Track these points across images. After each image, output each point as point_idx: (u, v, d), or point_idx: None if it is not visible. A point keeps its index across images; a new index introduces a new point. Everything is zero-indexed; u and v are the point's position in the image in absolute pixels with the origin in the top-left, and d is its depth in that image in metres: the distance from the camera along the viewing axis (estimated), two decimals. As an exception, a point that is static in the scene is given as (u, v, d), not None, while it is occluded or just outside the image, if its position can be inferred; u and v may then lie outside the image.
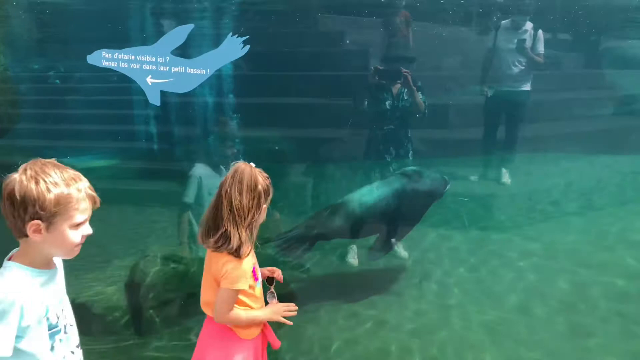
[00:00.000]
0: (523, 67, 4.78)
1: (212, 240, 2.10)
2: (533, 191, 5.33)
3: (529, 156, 5.31)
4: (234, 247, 2.05)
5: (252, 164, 2.10)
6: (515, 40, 4.74)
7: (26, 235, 1.64)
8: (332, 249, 4.61)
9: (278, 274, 2.39)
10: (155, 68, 2.64)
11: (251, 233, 2.09)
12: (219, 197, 2.08)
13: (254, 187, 2.03)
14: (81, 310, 3.68)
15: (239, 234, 2.04)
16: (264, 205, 2.10)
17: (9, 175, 1.64)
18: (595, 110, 5.97)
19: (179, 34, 2.66)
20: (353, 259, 4.47)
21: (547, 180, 5.43)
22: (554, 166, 5.48)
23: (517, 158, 5.22)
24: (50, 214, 1.61)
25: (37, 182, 1.60)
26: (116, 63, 2.65)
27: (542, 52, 4.75)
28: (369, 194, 4.09)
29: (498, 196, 5.16)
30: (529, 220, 5.05)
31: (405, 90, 4.36)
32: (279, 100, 5.14)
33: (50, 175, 1.63)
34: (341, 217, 4.00)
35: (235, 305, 2.17)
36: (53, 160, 1.70)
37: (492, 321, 3.76)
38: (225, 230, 2.05)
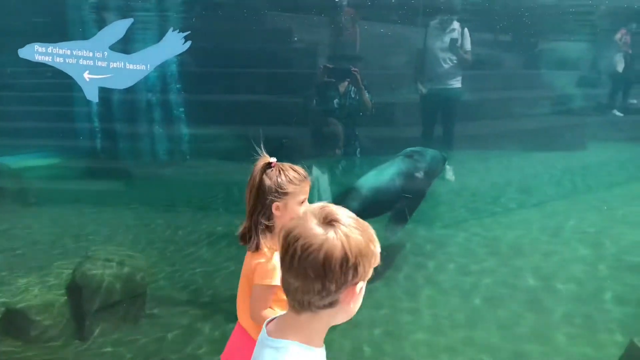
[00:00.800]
0: (452, 65, 4.95)
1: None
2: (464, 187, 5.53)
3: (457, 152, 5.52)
4: (240, 238, 2.01)
5: (272, 159, 1.99)
6: (444, 39, 4.90)
7: (329, 306, 1.23)
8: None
9: None
10: (93, 63, 2.55)
11: (260, 228, 1.96)
12: None
13: (254, 183, 1.96)
14: (19, 316, 3.53)
15: (248, 226, 2.00)
16: (278, 203, 1.96)
17: (304, 227, 1.17)
18: (524, 109, 6.26)
19: (117, 28, 2.58)
20: None
21: (474, 176, 5.65)
22: (481, 162, 5.70)
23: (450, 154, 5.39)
24: (370, 272, 1.23)
25: (362, 232, 1.21)
26: (50, 57, 2.54)
27: (469, 50, 4.95)
28: (377, 176, 4.38)
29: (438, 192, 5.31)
30: (467, 216, 5.24)
31: (353, 88, 4.43)
32: (224, 98, 5.10)
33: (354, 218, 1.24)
34: (354, 201, 4.23)
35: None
36: None
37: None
38: (245, 225, 2.04)
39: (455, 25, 4.91)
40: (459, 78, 5.01)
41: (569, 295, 3.97)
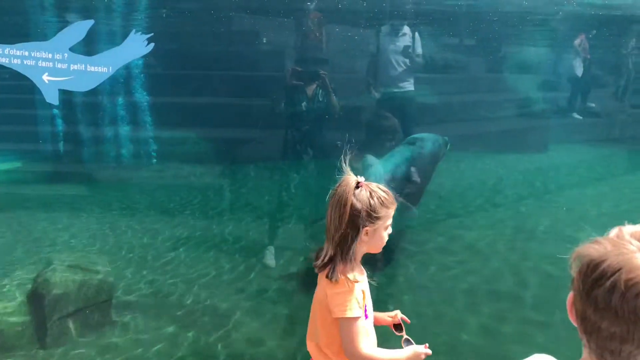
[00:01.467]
0: (404, 69, 5.04)
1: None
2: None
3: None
4: (321, 265, 1.83)
5: (361, 178, 1.80)
6: (396, 44, 4.99)
7: None
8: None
9: (401, 316, 2.06)
10: (52, 65, 2.49)
11: (344, 256, 1.79)
12: None
13: (343, 205, 1.75)
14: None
15: (327, 251, 1.81)
16: (368, 228, 1.78)
17: (625, 256, 0.96)
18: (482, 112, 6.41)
19: (77, 30, 2.53)
20: (270, 260, 4.52)
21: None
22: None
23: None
24: None
25: None
26: (7, 59, 2.47)
27: (421, 53, 5.06)
28: (384, 165, 4.40)
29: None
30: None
31: (320, 91, 4.45)
32: (193, 100, 5.06)
33: None
34: None
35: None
36: None
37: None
38: (322, 247, 1.86)
39: (406, 29, 5.00)
40: (412, 81, 5.10)
41: (541, 295, 4.06)
